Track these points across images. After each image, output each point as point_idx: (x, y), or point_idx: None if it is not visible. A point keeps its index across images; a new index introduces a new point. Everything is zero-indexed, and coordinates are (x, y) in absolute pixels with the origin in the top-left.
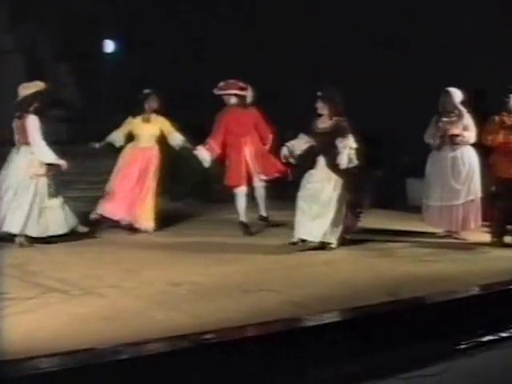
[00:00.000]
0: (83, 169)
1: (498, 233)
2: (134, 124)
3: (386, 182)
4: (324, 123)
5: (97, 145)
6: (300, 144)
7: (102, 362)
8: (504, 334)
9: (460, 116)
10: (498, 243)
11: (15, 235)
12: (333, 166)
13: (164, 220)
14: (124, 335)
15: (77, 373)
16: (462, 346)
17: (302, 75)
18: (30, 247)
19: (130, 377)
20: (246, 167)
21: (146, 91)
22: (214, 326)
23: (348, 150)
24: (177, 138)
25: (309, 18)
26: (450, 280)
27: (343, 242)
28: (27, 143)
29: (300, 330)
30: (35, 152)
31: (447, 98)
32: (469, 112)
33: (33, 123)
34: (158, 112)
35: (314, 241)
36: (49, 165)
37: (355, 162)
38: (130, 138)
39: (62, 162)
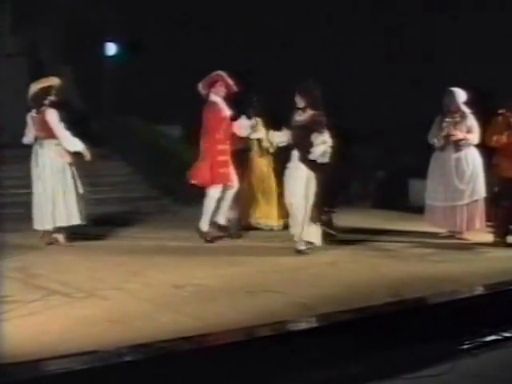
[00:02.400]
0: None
1: (501, 233)
2: None
3: (388, 182)
4: (301, 116)
5: None
6: (280, 137)
7: (106, 365)
8: (507, 334)
9: (464, 117)
10: (501, 243)
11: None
12: (305, 160)
13: (167, 223)
14: (128, 337)
15: (82, 375)
16: (466, 346)
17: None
18: (33, 249)
19: (134, 379)
20: None
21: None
22: (219, 328)
23: (323, 144)
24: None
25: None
26: (454, 280)
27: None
28: (50, 137)
29: (303, 331)
30: (63, 143)
31: (451, 98)
32: (473, 113)
33: (53, 116)
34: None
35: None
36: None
37: (327, 158)
38: None
39: (88, 152)
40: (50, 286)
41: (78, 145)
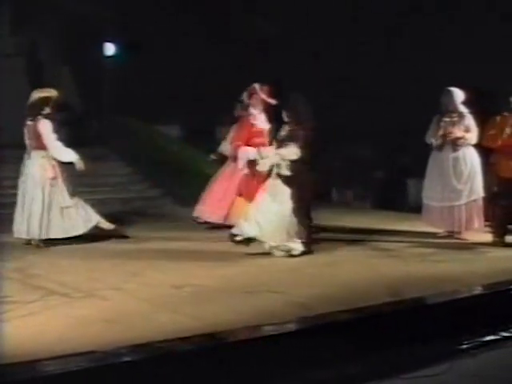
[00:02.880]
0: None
1: (500, 232)
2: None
3: (387, 182)
4: (284, 131)
5: (212, 156)
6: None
7: (105, 365)
8: (506, 334)
9: (462, 116)
10: (499, 243)
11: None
12: (280, 175)
13: (166, 223)
14: (127, 337)
15: (80, 375)
16: (465, 346)
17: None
18: (32, 250)
19: (132, 379)
20: None
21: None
22: (217, 328)
23: (276, 157)
24: None
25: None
26: (452, 280)
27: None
28: (39, 147)
29: (302, 331)
30: (54, 154)
31: (449, 97)
32: (471, 112)
33: (45, 126)
34: None
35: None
36: (65, 164)
37: (284, 170)
38: None
39: (81, 163)
40: (49, 286)
41: (70, 155)
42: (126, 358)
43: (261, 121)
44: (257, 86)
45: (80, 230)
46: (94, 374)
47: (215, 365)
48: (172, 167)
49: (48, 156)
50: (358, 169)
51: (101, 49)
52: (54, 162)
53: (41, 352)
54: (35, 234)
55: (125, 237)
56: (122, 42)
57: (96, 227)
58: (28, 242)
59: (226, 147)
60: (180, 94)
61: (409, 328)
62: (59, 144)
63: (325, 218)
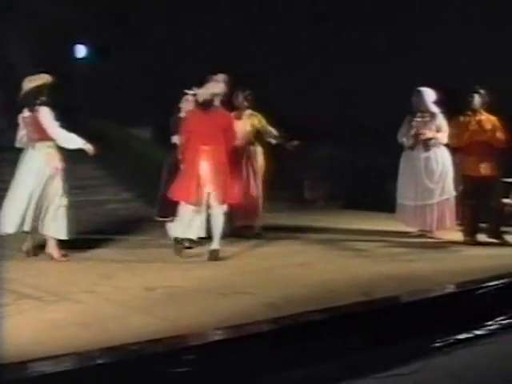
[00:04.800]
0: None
1: (470, 231)
2: None
3: (359, 182)
4: None
5: None
6: None
7: (78, 368)
8: (479, 332)
9: (433, 116)
10: (470, 241)
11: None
12: None
13: (139, 225)
14: (99, 340)
15: (53, 378)
16: (437, 345)
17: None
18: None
19: (106, 382)
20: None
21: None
22: (190, 330)
23: None
24: (270, 134)
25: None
26: (425, 279)
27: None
28: (43, 139)
29: (275, 332)
30: (61, 142)
31: (420, 97)
32: (442, 112)
33: (46, 115)
34: (254, 108)
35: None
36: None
37: None
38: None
39: (90, 147)
40: (22, 289)
41: (77, 141)
42: (99, 361)
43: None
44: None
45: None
46: (67, 376)
47: (187, 367)
48: (143, 169)
49: (54, 146)
50: (330, 169)
51: (72, 51)
52: (59, 155)
53: (13, 356)
54: (26, 227)
55: (100, 239)
56: (93, 44)
57: None
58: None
59: None
60: (152, 96)
61: (381, 327)
62: (63, 131)
63: (297, 218)
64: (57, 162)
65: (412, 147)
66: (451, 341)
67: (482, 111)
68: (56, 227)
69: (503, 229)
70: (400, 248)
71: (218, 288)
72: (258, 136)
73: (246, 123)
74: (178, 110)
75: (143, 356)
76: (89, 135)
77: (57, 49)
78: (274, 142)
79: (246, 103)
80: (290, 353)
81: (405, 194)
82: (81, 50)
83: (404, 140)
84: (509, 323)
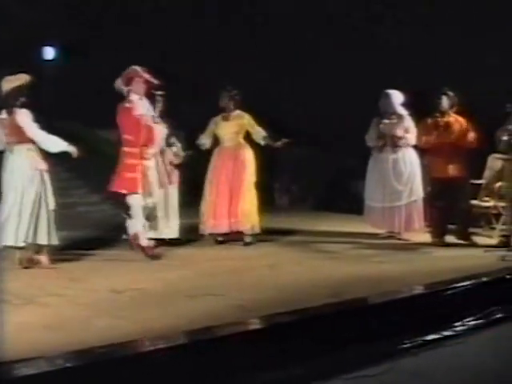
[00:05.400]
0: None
1: (438, 233)
2: (216, 124)
3: (328, 184)
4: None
5: (189, 152)
6: None
7: (44, 371)
8: (447, 333)
9: (400, 118)
10: (439, 243)
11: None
12: None
13: (107, 227)
14: (68, 344)
15: (20, 382)
16: (406, 346)
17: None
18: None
19: None
20: None
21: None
22: (158, 333)
23: None
24: (259, 134)
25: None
26: (394, 280)
27: None
28: (22, 141)
29: (244, 334)
30: (42, 145)
31: (388, 99)
32: (410, 114)
33: (25, 117)
34: (242, 108)
35: None
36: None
37: None
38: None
39: (73, 149)
40: None
41: (59, 144)
42: (67, 364)
43: (144, 107)
44: (138, 67)
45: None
46: (34, 380)
47: (155, 369)
48: (112, 172)
49: (35, 149)
50: (299, 170)
51: (40, 52)
52: (41, 156)
53: None
54: (22, 238)
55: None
56: (62, 45)
57: None
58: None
59: (204, 140)
60: (121, 98)
61: (350, 328)
62: (44, 134)
63: (267, 220)
64: (39, 164)
65: (380, 149)
66: (419, 342)
67: (450, 113)
68: (49, 233)
69: (471, 230)
70: (369, 249)
71: (186, 290)
72: (247, 137)
73: (234, 124)
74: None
75: (111, 359)
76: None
77: (25, 50)
78: (263, 142)
79: (232, 103)
80: (259, 355)
81: (373, 196)
82: (49, 52)
83: (372, 142)
84: (477, 324)
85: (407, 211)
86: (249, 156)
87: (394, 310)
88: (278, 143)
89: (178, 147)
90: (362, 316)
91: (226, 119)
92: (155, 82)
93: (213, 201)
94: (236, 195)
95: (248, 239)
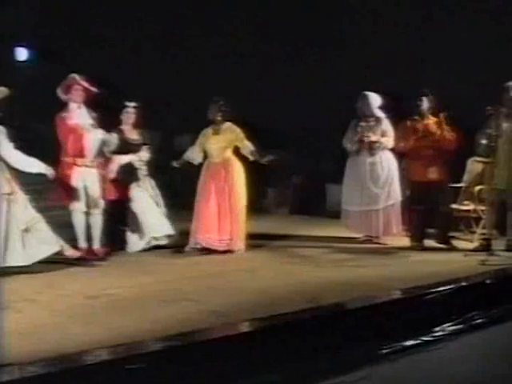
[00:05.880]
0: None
1: (417, 237)
2: (205, 136)
3: (305, 187)
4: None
5: (175, 163)
6: None
7: (17, 378)
8: (426, 339)
9: (378, 121)
10: (417, 247)
11: None
12: None
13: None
14: (41, 350)
15: None
16: (384, 352)
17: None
18: None
19: None
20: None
21: (215, 98)
22: (132, 339)
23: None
24: (247, 149)
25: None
26: (371, 285)
27: None
28: None
29: (219, 340)
30: (16, 166)
31: (365, 102)
32: (387, 117)
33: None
34: (233, 121)
35: None
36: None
37: None
38: None
39: (51, 171)
40: None
41: (34, 165)
42: (40, 371)
43: (81, 116)
44: (76, 76)
45: (41, 255)
46: None
47: (131, 377)
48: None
49: (1, 168)
50: (275, 174)
51: (12, 53)
52: (8, 175)
53: None
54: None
55: None
56: (35, 46)
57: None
58: None
59: (194, 155)
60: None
61: (327, 334)
62: (19, 153)
63: None
64: (4, 186)
65: (357, 152)
66: (398, 348)
67: (429, 115)
68: (22, 254)
69: (451, 234)
70: (346, 254)
71: (161, 295)
72: (236, 151)
73: (223, 139)
74: (119, 122)
75: (85, 366)
76: (28, 139)
77: None
78: (251, 158)
79: (220, 114)
80: (234, 361)
81: (350, 200)
82: (22, 53)
83: (349, 145)
84: (457, 330)
85: (385, 215)
86: (238, 171)
87: (371, 316)
88: (265, 159)
89: (143, 157)
90: (340, 321)
91: (215, 133)
92: (94, 90)
93: (203, 219)
94: (225, 213)
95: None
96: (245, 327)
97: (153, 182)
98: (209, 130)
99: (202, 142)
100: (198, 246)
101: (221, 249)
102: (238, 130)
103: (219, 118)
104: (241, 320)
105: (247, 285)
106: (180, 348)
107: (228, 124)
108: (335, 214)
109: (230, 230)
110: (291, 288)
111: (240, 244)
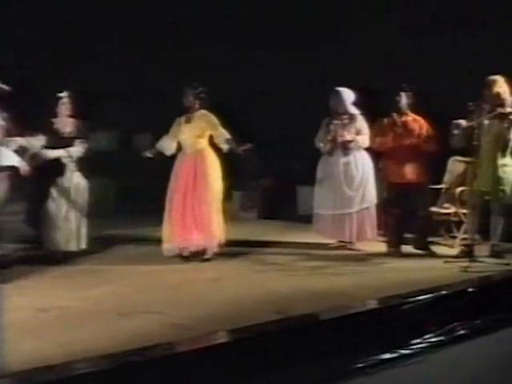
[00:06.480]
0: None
1: (395, 242)
2: (178, 126)
3: (275, 190)
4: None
5: (147, 153)
6: None
7: None
8: (404, 351)
9: (352, 118)
10: (394, 253)
11: None
12: None
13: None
14: None
15: None
16: (359, 365)
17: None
18: None
19: None
20: None
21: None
22: (88, 355)
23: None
24: (222, 137)
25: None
26: (345, 294)
27: None
28: None
29: (183, 354)
30: None
31: (338, 98)
32: (362, 114)
33: None
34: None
35: None
36: None
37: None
38: None
39: (24, 166)
40: None
41: (11, 157)
42: None
43: None
44: None
45: None
46: None
47: None
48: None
49: None
50: (241, 175)
51: None
52: None
53: None
54: None
55: None
56: None
57: None
58: None
59: (167, 144)
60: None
61: (298, 347)
62: None
63: None
64: None
65: (330, 152)
66: (374, 361)
67: (408, 112)
68: None
69: (430, 239)
70: (318, 261)
71: (118, 308)
72: (210, 141)
73: (195, 127)
74: (55, 114)
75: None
76: None
77: None
78: (225, 147)
79: (198, 103)
80: (197, 377)
81: (322, 203)
82: None
83: (321, 144)
84: (437, 342)
85: (359, 219)
86: (212, 163)
87: (345, 327)
88: (243, 148)
89: (74, 152)
90: (311, 334)
91: (188, 121)
92: (4, 87)
93: (173, 219)
94: (199, 209)
95: (208, 255)
96: (210, 341)
97: (84, 183)
98: (182, 119)
99: (175, 131)
100: (173, 252)
101: (194, 249)
102: (211, 117)
103: (197, 106)
104: (206, 333)
105: (212, 295)
106: (140, 364)
107: (202, 111)
108: (307, 219)
109: (205, 231)
110: (259, 298)
111: (215, 242)
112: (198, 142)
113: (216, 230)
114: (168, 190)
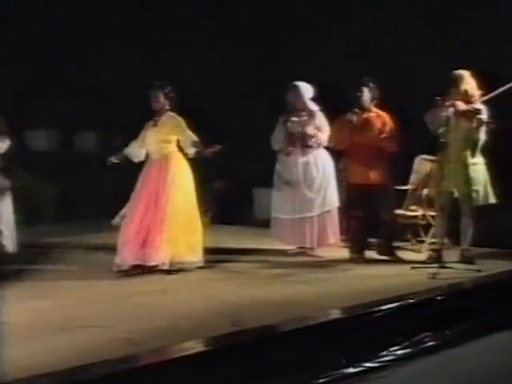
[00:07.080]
0: None
1: (358, 247)
2: (146, 130)
3: (229, 193)
4: None
5: (113, 159)
6: None
7: None
8: (370, 365)
9: (311, 115)
10: (358, 259)
11: None
12: None
13: None
14: None
15: None
16: (322, 380)
17: None
18: None
19: None
20: None
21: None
22: (28, 373)
23: None
24: (188, 140)
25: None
26: (305, 304)
27: None
28: None
29: (132, 371)
30: None
31: (296, 93)
32: (321, 110)
33: None
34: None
35: None
36: None
37: None
38: None
39: None
40: None
41: None
42: None
43: None
44: None
45: None
46: None
47: None
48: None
49: None
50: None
51: None
52: None
53: None
54: None
55: None
56: None
57: None
58: None
59: (134, 150)
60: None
61: (254, 362)
62: None
63: None
64: None
65: (288, 152)
66: (337, 376)
67: (371, 108)
68: None
69: (396, 244)
70: (277, 269)
71: (61, 321)
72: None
73: (161, 131)
74: None
75: None
76: None
77: None
78: (192, 151)
79: (168, 103)
80: None
81: (280, 207)
82: None
83: (278, 144)
84: (404, 354)
85: (320, 223)
86: (181, 169)
87: (306, 339)
88: (211, 150)
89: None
90: (269, 347)
91: (154, 125)
92: None
93: (130, 230)
94: (155, 226)
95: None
96: (160, 356)
97: (5, 183)
98: (150, 123)
99: (143, 135)
100: (125, 266)
101: (153, 264)
102: (178, 119)
103: (167, 107)
104: (156, 348)
105: (161, 307)
106: (85, 382)
107: (168, 114)
108: (264, 223)
109: (168, 243)
110: (213, 309)
111: (187, 260)
112: (164, 147)
113: (183, 246)
114: (131, 197)
